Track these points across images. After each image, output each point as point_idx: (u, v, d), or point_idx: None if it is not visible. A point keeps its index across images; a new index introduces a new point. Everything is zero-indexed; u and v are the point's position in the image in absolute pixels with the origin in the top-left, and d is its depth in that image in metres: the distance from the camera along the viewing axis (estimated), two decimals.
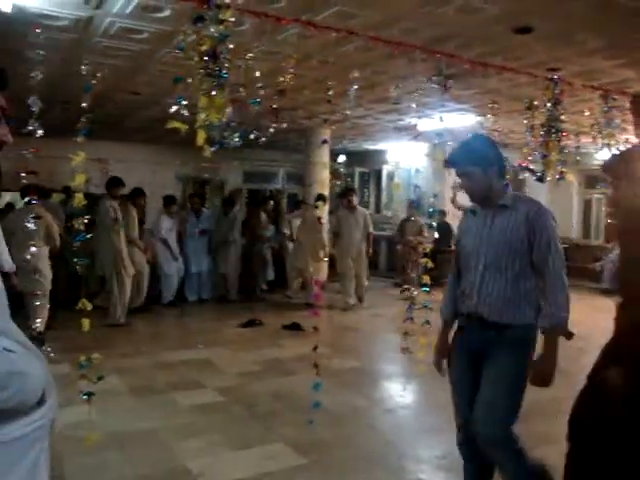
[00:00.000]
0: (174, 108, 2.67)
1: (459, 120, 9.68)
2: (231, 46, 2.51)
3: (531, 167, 4.05)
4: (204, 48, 2.46)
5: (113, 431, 4.33)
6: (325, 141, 3.46)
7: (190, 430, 4.52)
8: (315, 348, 3.78)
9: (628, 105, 3.99)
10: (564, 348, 6.79)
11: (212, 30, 2.46)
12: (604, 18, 5.01)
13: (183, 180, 15.33)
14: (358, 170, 16.54)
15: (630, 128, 5.36)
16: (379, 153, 15.45)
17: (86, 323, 3.17)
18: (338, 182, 13.57)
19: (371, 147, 14.99)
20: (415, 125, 10.43)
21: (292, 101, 8.59)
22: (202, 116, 2.48)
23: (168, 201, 10.15)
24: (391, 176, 15.40)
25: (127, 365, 6.17)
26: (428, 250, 4.43)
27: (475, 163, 2.88)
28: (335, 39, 5.20)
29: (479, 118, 9.44)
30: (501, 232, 2.88)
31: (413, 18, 5.10)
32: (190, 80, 2.57)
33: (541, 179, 3.94)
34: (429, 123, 9.49)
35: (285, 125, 8.77)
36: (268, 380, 5.56)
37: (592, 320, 8.67)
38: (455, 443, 3.27)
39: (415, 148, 13.58)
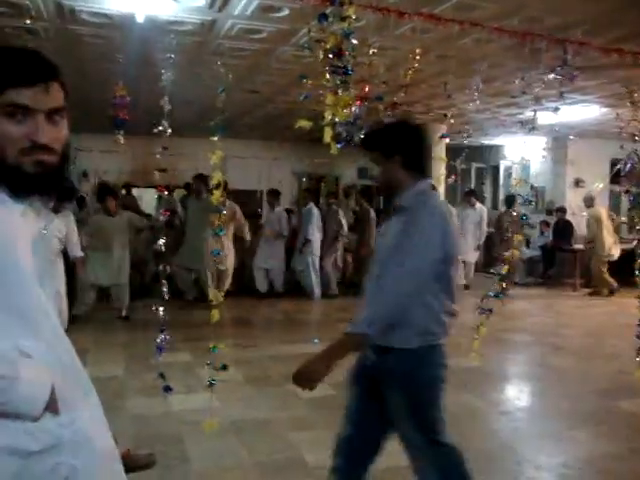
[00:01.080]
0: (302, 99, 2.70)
1: (582, 112, 9.23)
2: (355, 42, 2.51)
3: None
4: (329, 45, 2.48)
5: (232, 419, 4.47)
6: (444, 136, 3.39)
7: (304, 422, 4.59)
8: None
9: None
10: None
11: (336, 27, 2.49)
12: None
13: (299, 175, 15.61)
14: (475, 165, 16.16)
15: None
16: (496, 148, 15.04)
17: (216, 314, 3.29)
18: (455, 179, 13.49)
19: (488, 142, 14.61)
20: (534, 119, 10.05)
21: (410, 96, 8.51)
22: (329, 113, 2.50)
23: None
24: (509, 171, 14.93)
25: (243, 356, 6.36)
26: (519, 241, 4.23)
27: (376, 147, 2.49)
28: (453, 32, 5.10)
29: (604, 109, 8.96)
30: (387, 239, 2.45)
31: (535, 6, 4.89)
32: (309, 80, 2.61)
33: None
34: (549, 116, 9.12)
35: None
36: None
37: None
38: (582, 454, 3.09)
39: (534, 143, 13.09)
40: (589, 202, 11.10)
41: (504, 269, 4.05)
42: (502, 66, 6.65)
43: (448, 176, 12.29)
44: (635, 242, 4.00)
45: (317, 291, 9.94)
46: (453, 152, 13.32)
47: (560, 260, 12.37)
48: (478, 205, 11.66)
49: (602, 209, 11.25)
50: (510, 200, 10.85)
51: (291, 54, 6.33)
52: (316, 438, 4.28)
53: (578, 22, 5.17)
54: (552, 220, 12.59)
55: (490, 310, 3.94)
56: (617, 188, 12.41)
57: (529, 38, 3.74)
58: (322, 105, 2.45)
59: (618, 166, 4.30)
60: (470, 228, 11.11)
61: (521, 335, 7.40)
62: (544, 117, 9.60)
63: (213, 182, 2.46)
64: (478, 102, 9.01)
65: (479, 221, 11.30)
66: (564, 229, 11.96)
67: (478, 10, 4.89)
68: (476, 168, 16.18)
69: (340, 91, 2.46)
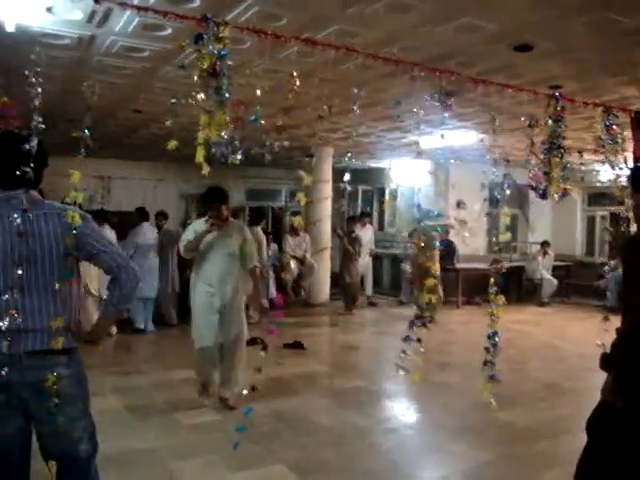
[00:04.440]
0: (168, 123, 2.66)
1: (461, 138, 9.69)
2: (230, 63, 2.50)
3: (533, 184, 4.02)
4: (203, 66, 2.45)
5: (111, 451, 4.27)
6: (310, 155, 3.48)
7: (187, 450, 4.46)
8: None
9: (629, 122, 3.97)
10: (568, 367, 6.75)
11: (211, 48, 2.46)
12: (604, 36, 5.02)
13: (186, 198, 15.33)
14: (361, 188, 16.54)
15: (629, 145, 5.37)
16: (382, 171, 15.46)
17: None
18: (343, 201, 13.86)
19: (374, 165, 15.01)
20: (417, 143, 10.46)
21: (294, 119, 8.60)
22: (201, 134, 2.46)
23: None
24: (394, 194, 15.39)
25: (125, 385, 6.13)
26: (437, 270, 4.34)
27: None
28: (335, 57, 5.21)
29: (481, 135, 9.44)
30: None
31: (413, 37, 5.13)
32: (189, 99, 2.56)
33: (544, 196, 3.91)
34: (431, 141, 9.51)
35: (287, 143, 8.82)
36: (269, 400, 5.49)
37: (594, 338, 8.61)
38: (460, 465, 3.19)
39: (418, 166, 13.58)
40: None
41: (426, 297, 4.11)
42: (384, 91, 6.87)
43: (336, 199, 12.60)
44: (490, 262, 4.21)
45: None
46: (340, 174, 13.61)
47: (443, 279, 12.85)
48: (368, 225, 13.11)
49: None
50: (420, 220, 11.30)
51: (175, 74, 6.24)
52: (198, 466, 4.18)
53: (451, 53, 5.46)
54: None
55: (419, 340, 3.98)
56: (494, 211, 13.07)
57: (403, 66, 3.87)
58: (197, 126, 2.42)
59: (495, 190, 4.53)
60: (365, 246, 12.21)
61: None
62: (427, 142, 10.04)
63: (70, 201, 2.34)
64: (363, 126, 9.30)
65: (370, 239, 12.80)
66: (447, 249, 12.43)
67: (359, 37, 5.05)
68: (362, 190, 16.56)
69: (214, 111, 2.44)
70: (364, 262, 12.23)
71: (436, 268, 9.97)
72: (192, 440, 4.66)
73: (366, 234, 12.53)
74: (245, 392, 3.96)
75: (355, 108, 4.03)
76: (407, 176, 14.43)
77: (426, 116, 6.01)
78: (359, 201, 16.60)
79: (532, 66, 5.80)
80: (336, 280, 11.89)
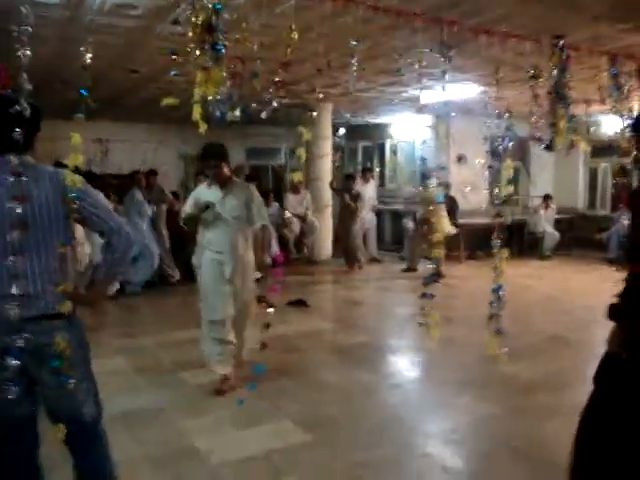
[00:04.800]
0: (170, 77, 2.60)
1: (463, 91, 9.55)
2: (226, 16, 2.43)
3: (538, 135, 3.95)
4: (199, 21, 2.39)
5: (120, 411, 4.32)
6: (311, 110, 3.44)
7: (197, 409, 4.51)
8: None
9: (635, 70, 3.88)
10: (572, 320, 6.79)
11: (205, 1, 2.39)
12: None
13: (185, 158, 15.20)
14: (361, 144, 16.40)
15: (635, 94, 5.26)
16: (382, 127, 15.30)
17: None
18: (336, 156, 13.81)
19: (374, 121, 14.84)
20: (418, 97, 10.31)
21: (293, 75, 8.46)
22: (198, 91, 2.41)
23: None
24: (394, 149, 15.26)
25: (131, 345, 6.18)
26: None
27: None
28: (333, 11, 5.09)
29: (482, 88, 9.30)
30: None
31: None
32: (185, 56, 2.50)
33: (549, 147, 3.85)
34: (432, 94, 9.37)
35: (286, 100, 8.69)
36: (274, 357, 5.53)
37: (599, 290, 8.64)
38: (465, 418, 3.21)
39: (418, 121, 13.44)
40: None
41: (435, 252, 4.11)
42: (384, 45, 6.73)
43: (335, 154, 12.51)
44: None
45: None
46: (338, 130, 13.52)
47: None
48: (371, 180, 13.00)
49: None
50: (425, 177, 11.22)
51: (170, 31, 6.11)
52: (206, 425, 4.23)
53: (454, 3, 5.32)
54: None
55: (432, 295, 4.00)
56: (496, 164, 12.97)
57: (405, 16, 3.77)
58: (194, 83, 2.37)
59: (495, 142, 4.47)
60: (368, 202, 12.26)
61: (409, 308, 7.59)
62: (428, 95, 9.90)
63: (70, 165, 2.31)
64: (363, 81, 9.15)
65: (373, 194, 12.85)
66: (449, 204, 12.37)
67: None
68: (363, 146, 16.43)
69: (211, 67, 2.38)
70: (367, 218, 12.21)
71: (445, 223, 9.97)
72: (200, 399, 4.71)
73: (368, 190, 12.50)
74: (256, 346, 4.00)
75: (354, 62, 3.94)
76: (407, 131, 14.30)
77: (427, 69, 5.93)
78: (359, 157, 16.47)
79: (535, 15, 5.65)
80: (337, 237, 11.89)
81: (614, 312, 2.38)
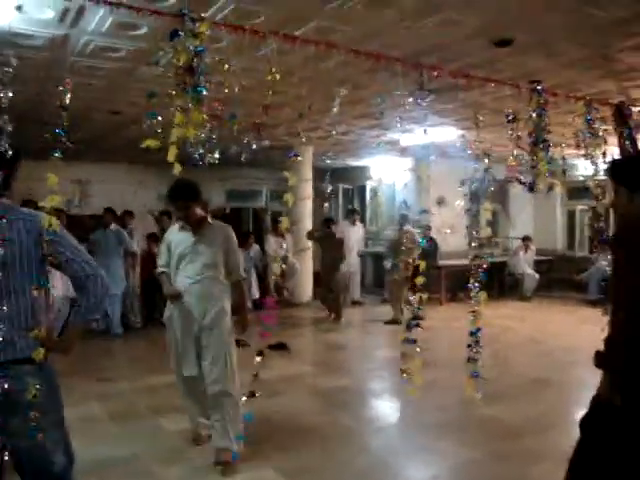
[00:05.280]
0: (147, 124, 2.59)
1: (442, 134, 9.67)
2: (207, 60, 2.44)
3: (519, 177, 4.00)
4: (180, 62, 2.39)
5: (95, 460, 4.18)
6: (295, 155, 3.32)
7: (174, 457, 4.38)
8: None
9: (611, 115, 3.96)
10: (553, 361, 6.75)
11: (187, 44, 2.40)
12: (582, 29, 5.03)
13: (164, 200, 15.16)
14: (342, 187, 16.51)
15: (609, 139, 5.38)
16: (362, 169, 15.45)
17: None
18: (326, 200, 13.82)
19: (354, 163, 14.99)
20: (398, 140, 10.43)
21: (274, 118, 8.54)
22: (175, 132, 2.40)
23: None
24: (375, 192, 15.38)
25: (106, 390, 6.03)
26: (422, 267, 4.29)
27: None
28: (315, 55, 5.17)
29: (461, 132, 9.44)
30: None
31: (393, 33, 5.09)
32: (165, 98, 2.50)
33: (532, 189, 3.89)
34: (412, 138, 9.49)
35: (267, 142, 8.74)
36: (255, 402, 5.42)
37: (579, 332, 8.67)
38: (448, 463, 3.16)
39: (399, 163, 13.59)
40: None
41: (419, 296, 4.09)
42: (364, 89, 6.83)
43: (319, 197, 12.54)
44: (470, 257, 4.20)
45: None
46: (321, 173, 13.57)
47: (427, 276, 12.84)
48: (358, 223, 12.95)
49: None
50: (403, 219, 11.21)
51: (152, 74, 6.15)
52: (183, 474, 4.11)
53: (432, 49, 5.43)
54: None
55: (415, 340, 3.95)
56: (475, 207, 13.10)
57: (385, 61, 3.83)
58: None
59: (474, 185, 4.52)
60: (354, 244, 12.25)
61: (391, 351, 7.53)
62: (408, 139, 10.02)
63: (47, 207, 2.27)
64: (344, 124, 9.25)
65: (360, 237, 12.80)
66: (430, 247, 12.43)
67: (338, 34, 5.00)
68: (343, 188, 16.53)
69: (191, 109, 2.38)
70: (352, 262, 12.09)
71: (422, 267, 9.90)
72: (176, 446, 4.58)
73: (355, 233, 12.47)
74: (244, 399, 3.86)
75: (335, 106, 3.99)
76: (388, 173, 14.44)
77: (407, 113, 5.99)
78: (340, 200, 16.56)
79: (512, 61, 5.80)
80: (319, 284, 11.65)
81: (600, 359, 2.36)
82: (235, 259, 4.32)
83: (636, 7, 4.52)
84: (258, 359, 3.51)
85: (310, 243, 11.87)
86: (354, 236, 12.33)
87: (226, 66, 2.92)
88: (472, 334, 4.04)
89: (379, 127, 9.60)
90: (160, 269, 4.39)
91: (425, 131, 3.99)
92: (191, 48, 2.40)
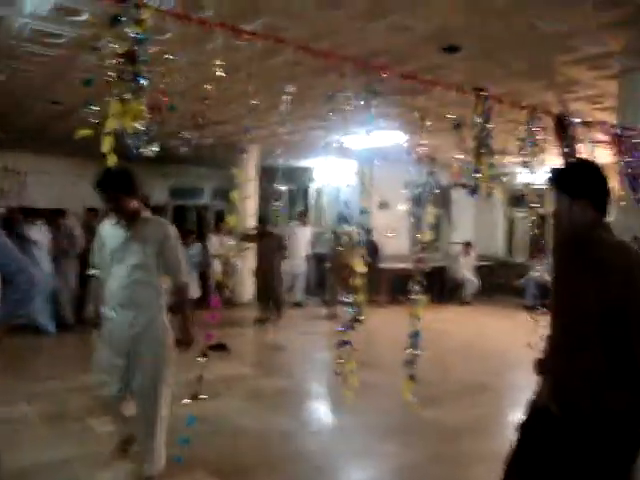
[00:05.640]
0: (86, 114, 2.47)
1: (387, 138, 9.73)
2: (150, 49, 2.34)
3: (462, 182, 4.03)
4: (120, 50, 2.29)
5: (22, 464, 4.01)
6: (242, 150, 3.20)
7: (105, 461, 4.23)
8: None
9: (552, 125, 4.03)
10: (490, 366, 6.85)
11: (129, 31, 2.30)
12: (525, 41, 5.13)
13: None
14: (285, 187, 16.46)
15: (549, 148, 5.50)
16: (306, 171, 15.42)
17: None
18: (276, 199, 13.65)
19: (299, 164, 14.95)
20: (342, 142, 10.42)
21: (219, 114, 8.42)
22: (111, 122, 2.30)
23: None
24: (319, 193, 15.39)
25: (39, 390, 5.81)
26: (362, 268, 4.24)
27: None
28: (263, 51, 5.09)
29: (406, 136, 9.52)
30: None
31: (343, 33, 5.08)
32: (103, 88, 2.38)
33: (474, 192, 3.93)
34: (356, 140, 9.50)
35: (210, 139, 8.62)
36: (191, 403, 5.30)
37: (516, 337, 8.83)
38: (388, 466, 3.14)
39: (343, 165, 13.61)
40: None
41: (356, 297, 4.03)
42: (311, 89, 6.79)
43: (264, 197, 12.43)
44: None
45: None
46: (265, 173, 13.47)
47: (369, 279, 12.90)
48: (307, 225, 12.88)
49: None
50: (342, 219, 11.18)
51: (94, 63, 5.95)
52: (114, 476, 3.98)
53: (381, 52, 5.44)
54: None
55: (349, 342, 3.90)
56: (417, 210, 13.25)
57: (334, 60, 3.79)
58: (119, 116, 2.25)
59: (417, 189, 4.55)
60: (302, 245, 12.20)
61: (331, 353, 7.51)
62: (352, 141, 10.02)
63: None
64: (289, 124, 9.19)
65: (308, 239, 12.54)
66: (370, 249, 12.48)
67: (288, 31, 4.95)
68: (288, 189, 16.48)
69: (129, 99, 2.28)
70: (297, 263, 12.05)
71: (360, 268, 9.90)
72: (107, 449, 4.42)
73: (305, 234, 12.35)
74: (187, 401, 3.72)
75: (283, 103, 3.93)
76: (332, 175, 14.45)
77: (352, 115, 5.99)
78: (284, 201, 16.51)
79: (459, 68, 5.87)
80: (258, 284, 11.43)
81: (540, 366, 2.38)
82: (175, 261, 3.66)
83: (575, 22, 4.64)
84: (202, 360, 3.40)
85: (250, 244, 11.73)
86: (303, 237, 12.23)
87: (168, 57, 2.80)
88: (411, 337, 4.05)
89: (324, 128, 9.57)
90: (91, 271, 3.84)
91: (368, 132, 3.96)
92: (132, 35, 2.31)
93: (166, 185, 15.54)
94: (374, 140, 8.11)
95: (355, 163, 13.42)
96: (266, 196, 13.98)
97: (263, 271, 10.39)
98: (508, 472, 2.46)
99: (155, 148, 2.42)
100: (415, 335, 4.05)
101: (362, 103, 4.20)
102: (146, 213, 3.68)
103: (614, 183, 4.35)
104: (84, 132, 2.39)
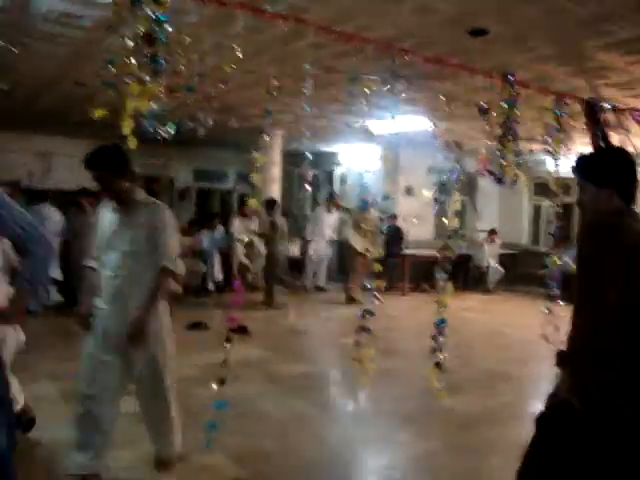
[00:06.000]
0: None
1: (413, 123, 9.62)
2: (170, 29, 2.31)
3: (489, 169, 3.95)
4: (139, 31, 2.27)
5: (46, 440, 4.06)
6: (262, 132, 3.10)
7: (124, 440, 4.27)
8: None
9: (582, 111, 3.92)
10: (513, 355, 6.79)
11: (148, 11, 2.27)
12: (556, 25, 5.00)
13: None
14: (310, 172, 16.39)
15: (576, 135, 5.36)
16: (331, 155, 15.34)
17: None
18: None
19: (323, 149, 14.87)
20: (367, 127, 10.32)
21: (243, 99, 8.38)
22: (130, 104, 2.28)
23: None
24: (343, 178, 15.30)
25: (60, 370, 5.87)
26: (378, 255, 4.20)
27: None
28: (286, 34, 5.05)
29: (432, 122, 9.39)
30: None
31: (367, 16, 4.99)
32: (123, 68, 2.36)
33: (501, 181, 3.85)
34: (382, 125, 9.40)
35: (235, 122, 8.57)
36: (208, 386, 5.32)
37: (537, 326, 8.72)
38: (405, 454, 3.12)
39: (368, 150, 13.51)
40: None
41: (375, 283, 4.01)
42: (336, 72, 6.72)
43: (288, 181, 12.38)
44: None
45: None
46: (290, 157, 13.42)
47: (391, 266, 12.86)
48: (334, 210, 12.44)
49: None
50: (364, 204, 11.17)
51: (120, 45, 5.92)
52: (135, 455, 4.02)
53: (406, 36, 5.35)
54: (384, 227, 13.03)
55: (368, 329, 3.89)
56: (443, 197, 13.12)
57: (356, 42, 3.73)
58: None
59: (443, 176, 4.50)
60: (326, 230, 12.14)
61: (351, 339, 7.49)
62: (378, 126, 9.91)
63: None
64: (314, 108, 9.11)
65: (333, 224, 12.35)
66: (395, 235, 12.42)
67: (311, 13, 4.87)
68: (313, 174, 16.42)
69: (148, 80, 2.26)
70: (322, 248, 12.08)
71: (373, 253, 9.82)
72: (128, 429, 4.46)
73: (330, 219, 12.25)
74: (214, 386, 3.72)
75: (306, 87, 3.88)
76: (357, 160, 14.35)
77: (378, 99, 5.91)
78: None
79: (486, 52, 5.74)
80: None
81: (562, 359, 2.33)
82: (164, 243, 3.34)
83: (612, 3, 4.50)
84: (227, 345, 3.40)
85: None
86: (328, 222, 12.16)
87: (187, 39, 2.74)
88: (437, 325, 4.01)
89: (349, 113, 9.49)
90: (87, 261, 3.51)
91: (393, 116, 3.90)
92: (152, 16, 2.28)
93: (191, 167, 15.59)
94: (399, 125, 8.03)
95: (379, 148, 13.32)
96: (290, 180, 13.95)
97: (268, 256, 10.52)
98: (525, 465, 2.42)
99: (171, 130, 2.40)
100: (441, 322, 4.01)
101: (386, 88, 4.14)
102: (141, 195, 3.43)
103: None
104: (100, 112, 2.37)
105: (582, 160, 2.54)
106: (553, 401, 2.40)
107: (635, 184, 2.41)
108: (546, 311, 4.27)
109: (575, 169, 2.53)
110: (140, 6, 2.34)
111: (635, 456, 2.17)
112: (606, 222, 2.34)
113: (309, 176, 14.39)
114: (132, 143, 2.36)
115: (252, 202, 3.53)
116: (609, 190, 2.36)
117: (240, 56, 2.85)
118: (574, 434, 2.25)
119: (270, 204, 10.70)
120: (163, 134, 2.38)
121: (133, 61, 2.29)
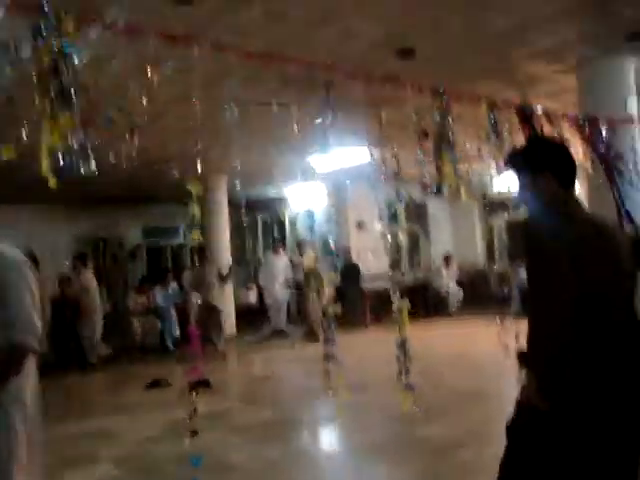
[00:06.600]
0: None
1: (358, 156, 9.58)
2: (76, 61, 2.17)
3: (425, 181, 3.91)
4: (43, 64, 2.13)
5: None
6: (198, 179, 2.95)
7: None
8: None
9: (516, 117, 3.94)
10: (481, 373, 6.65)
11: (54, 43, 2.13)
12: (481, 36, 5.06)
13: (79, 240, 14.37)
14: (260, 218, 16.34)
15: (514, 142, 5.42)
16: (280, 200, 15.30)
17: None
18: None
19: (271, 194, 14.81)
20: (312, 166, 10.32)
21: (182, 148, 8.25)
22: (45, 140, 2.13)
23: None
24: (293, 222, 15.26)
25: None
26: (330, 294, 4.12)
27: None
28: (214, 73, 4.98)
29: (373, 151, 9.42)
30: None
31: (294, 45, 4.96)
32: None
33: (439, 190, 3.80)
34: (326, 161, 9.40)
35: (178, 175, 8.43)
36: (172, 443, 5.06)
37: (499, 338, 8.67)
38: None
39: (314, 189, 13.50)
40: None
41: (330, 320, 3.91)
42: (270, 111, 6.66)
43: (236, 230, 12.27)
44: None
45: None
46: (238, 205, 13.27)
47: (351, 300, 12.73)
48: (282, 253, 12.31)
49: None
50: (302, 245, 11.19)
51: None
52: None
53: (339, 61, 5.34)
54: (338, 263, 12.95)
55: (334, 357, 3.76)
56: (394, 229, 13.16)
57: (275, 61, 3.69)
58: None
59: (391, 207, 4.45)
60: (279, 273, 11.79)
61: (315, 379, 7.32)
62: (322, 163, 9.91)
63: None
64: (256, 151, 9.07)
65: (285, 266, 12.02)
66: (351, 271, 12.36)
67: (241, 46, 4.82)
68: (262, 220, 16.36)
69: (56, 115, 2.11)
70: (279, 293, 11.75)
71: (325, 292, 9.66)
72: None
73: (281, 261, 12.03)
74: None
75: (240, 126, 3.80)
76: (305, 201, 14.32)
77: (316, 131, 5.89)
78: (259, 231, 16.37)
79: (415, 73, 5.78)
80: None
81: (523, 359, 2.24)
82: (13, 312, 2.36)
83: (529, 13, 4.59)
84: (193, 397, 3.25)
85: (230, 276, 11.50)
86: (278, 266, 11.94)
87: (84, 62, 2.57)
88: (399, 345, 3.89)
89: (292, 152, 9.47)
90: None
91: (326, 147, 3.82)
92: (56, 48, 2.15)
93: (140, 224, 15.33)
94: (344, 159, 8.01)
95: (326, 185, 13.27)
96: (240, 228, 13.80)
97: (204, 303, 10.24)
98: (502, 475, 2.29)
99: (92, 167, 2.24)
100: (403, 344, 3.90)
101: (320, 119, 4.10)
102: None
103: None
104: (8, 152, 2.21)
105: (514, 152, 2.52)
106: (519, 407, 2.30)
107: (572, 167, 2.36)
108: (498, 322, 4.21)
109: (509, 163, 2.49)
110: (43, 37, 2.19)
111: (598, 450, 2.08)
112: (551, 214, 2.28)
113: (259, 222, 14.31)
114: (52, 182, 2.19)
115: (195, 234, 3.42)
116: (545, 174, 2.30)
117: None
118: (542, 436, 2.14)
119: (200, 254, 10.49)
120: (86, 172, 2.22)
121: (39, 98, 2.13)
